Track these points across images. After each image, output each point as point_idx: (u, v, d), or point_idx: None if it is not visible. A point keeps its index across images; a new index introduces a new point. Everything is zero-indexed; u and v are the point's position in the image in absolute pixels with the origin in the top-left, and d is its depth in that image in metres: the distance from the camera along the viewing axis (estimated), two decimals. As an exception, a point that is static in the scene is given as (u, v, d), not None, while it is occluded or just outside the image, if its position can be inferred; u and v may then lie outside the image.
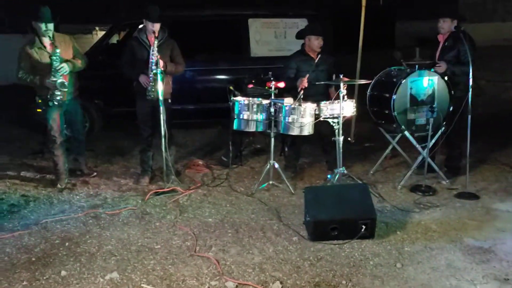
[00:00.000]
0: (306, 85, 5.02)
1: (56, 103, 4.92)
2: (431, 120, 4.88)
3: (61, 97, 4.91)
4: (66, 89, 4.91)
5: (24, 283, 3.32)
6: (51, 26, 4.81)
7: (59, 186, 5.17)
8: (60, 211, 4.57)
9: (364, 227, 3.84)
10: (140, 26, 5.20)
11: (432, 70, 4.99)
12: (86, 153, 5.67)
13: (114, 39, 8.54)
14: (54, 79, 4.80)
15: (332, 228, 3.84)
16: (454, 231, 4.06)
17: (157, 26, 4.96)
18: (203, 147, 6.82)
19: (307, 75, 5.03)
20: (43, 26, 4.77)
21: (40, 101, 4.98)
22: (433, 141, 5.08)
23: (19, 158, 6.22)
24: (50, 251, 3.77)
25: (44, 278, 3.38)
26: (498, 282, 3.27)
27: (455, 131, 5.08)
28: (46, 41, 4.87)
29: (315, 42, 5.17)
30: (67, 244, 3.89)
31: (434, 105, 4.94)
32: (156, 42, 4.91)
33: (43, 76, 4.83)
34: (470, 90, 4.73)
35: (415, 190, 4.97)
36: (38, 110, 6.89)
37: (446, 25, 5.06)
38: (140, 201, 4.79)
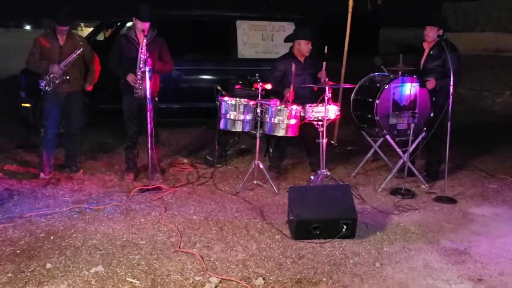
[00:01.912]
0: (292, 98, 5.11)
1: (49, 88, 5.13)
2: (412, 125, 5.02)
3: (58, 82, 5.12)
4: (66, 78, 5.14)
5: (9, 274, 3.34)
6: (66, 28, 5.15)
7: (42, 176, 5.26)
8: (44, 206, 4.57)
9: (345, 227, 3.95)
10: (129, 24, 5.25)
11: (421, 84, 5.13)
12: (77, 151, 5.67)
13: (101, 36, 8.54)
14: (63, 67, 5.11)
15: (314, 227, 3.94)
16: (431, 233, 4.19)
17: (146, 25, 5.00)
18: (187, 146, 6.87)
19: (292, 87, 5.12)
20: (58, 28, 5.10)
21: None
22: (414, 146, 5.22)
23: (2, 151, 6.19)
24: (34, 244, 3.79)
25: (29, 270, 3.40)
26: (472, 282, 3.40)
27: (435, 137, 5.24)
28: (61, 36, 5.17)
29: (305, 47, 5.26)
30: (52, 237, 3.91)
31: (415, 111, 5.09)
32: (145, 40, 4.96)
33: (49, 63, 5.11)
34: (451, 97, 4.88)
35: (395, 193, 5.10)
36: (23, 104, 6.92)
37: (432, 33, 5.16)
38: (124, 198, 4.82)
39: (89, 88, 5.45)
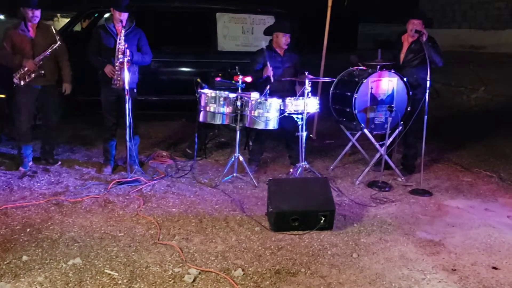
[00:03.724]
0: (271, 73, 5.11)
1: (23, 82, 5.02)
2: (389, 119, 5.10)
3: (33, 77, 5.02)
4: (41, 73, 5.05)
5: (-16, 267, 3.29)
6: (37, 12, 4.96)
7: (21, 169, 5.20)
8: (20, 198, 4.50)
9: (323, 218, 4.00)
10: (107, 15, 5.18)
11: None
12: (54, 143, 5.62)
13: (77, 26, 8.41)
14: (38, 61, 5.00)
15: (293, 219, 3.98)
16: (407, 224, 4.27)
17: (124, 16, 4.95)
18: (166, 139, 6.83)
19: (268, 64, 5.13)
20: (29, 12, 4.91)
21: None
22: (391, 139, 5.30)
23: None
24: (10, 236, 3.73)
25: (5, 262, 3.35)
26: (446, 272, 3.48)
27: (412, 131, 5.32)
28: (31, 26, 5.00)
29: (283, 39, 5.27)
30: (28, 230, 3.85)
31: (392, 105, 5.16)
32: (123, 31, 4.91)
33: (22, 57, 4.97)
34: (428, 91, 4.96)
35: (372, 185, 5.18)
36: (-1, 95, 6.76)
37: (419, 28, 5.16)
38: (102, 190, 4.78)
39: (68, 89, 5.31)
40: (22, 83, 5.03)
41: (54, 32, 5.14)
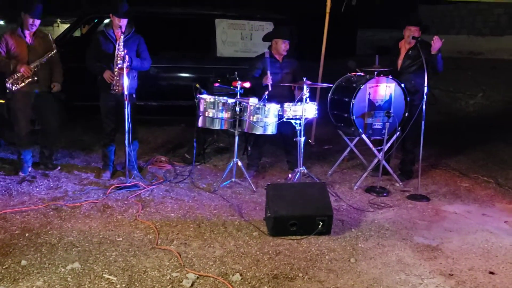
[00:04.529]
0: (270, 82, 5.15)
1: (15, 88, 5.02)
2: (387, 124, 5.12)
3: (27, 83, 5.02)
4: (34, 79, 5.04)
5: (-17, 272, 3.30)
6: (37, 22, 5.00)
7: (21, 174, 5.22)
8: (19, 203, 4.52)
9: (321, 223, 4.01)
10: (106, 20, 5.21)
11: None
12: (53, 148, 5.64)
13: (77, 32, 8.44)
14: (33, 67, 5.01)
15: (291, 224, 3.99)
16: (405, 230, 4.28)
17: (123, 22, 4.98)
18: (165, 144, 6.85)
19: (268, 72, 5.17)
20: (30, 20, 4.94)
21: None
22: (389, 145, 5.32)
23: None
24: (9, 241, 3.74)
25: (4, 267, 3.36)
26: (443, 277, 3.49)
27: (410, 137, 5.35)
28: (28, 32, 5.03)
29: (282, 46, 5.31)
30: (27, 234, 3.87)
31: (390, 111, 5.19)
32: (122, 37, 4.94)
33: (17, 62, 4.97)
34: (425, 97, 4.99)
35: (370, 191, 5.19)
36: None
37: (416, 34, 5.22)
38: (101, 195, 4.79)
39: (56, 87, 5.27)
40: (14, 88, 5.02)
41: (50, 39, 5.15)
